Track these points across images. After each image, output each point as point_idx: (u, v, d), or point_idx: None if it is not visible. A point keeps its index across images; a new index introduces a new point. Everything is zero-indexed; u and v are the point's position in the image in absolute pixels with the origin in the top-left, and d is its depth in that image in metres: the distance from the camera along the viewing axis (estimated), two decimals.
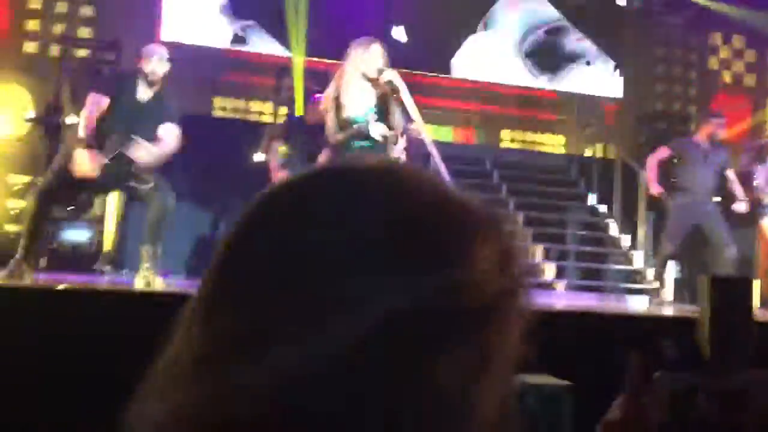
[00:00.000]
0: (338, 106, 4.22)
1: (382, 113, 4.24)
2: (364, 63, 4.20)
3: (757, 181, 6.09)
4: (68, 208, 6.75)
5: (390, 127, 4.25)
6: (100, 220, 7.11)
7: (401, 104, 4.23)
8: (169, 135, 4.69)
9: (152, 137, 4.63)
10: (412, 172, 0.54)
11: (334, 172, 0.55)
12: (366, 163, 0.54)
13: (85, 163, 4.38)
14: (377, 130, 4.24)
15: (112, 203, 7.05)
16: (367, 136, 4.23)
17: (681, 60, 11.06)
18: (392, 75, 4.20)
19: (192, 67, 8.84)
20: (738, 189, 5.94)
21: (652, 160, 6.00)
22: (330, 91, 4.29)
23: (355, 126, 4.23)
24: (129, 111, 4.61)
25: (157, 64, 4.71)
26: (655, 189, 6.01)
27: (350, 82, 4.21)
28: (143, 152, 4.56)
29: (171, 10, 8.83)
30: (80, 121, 4.56)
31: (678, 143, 6.22)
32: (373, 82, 4.22)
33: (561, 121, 10.53)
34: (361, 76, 4.21)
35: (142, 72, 4.69)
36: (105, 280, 5.83)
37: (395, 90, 4.21)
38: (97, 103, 4.54)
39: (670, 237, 6.02)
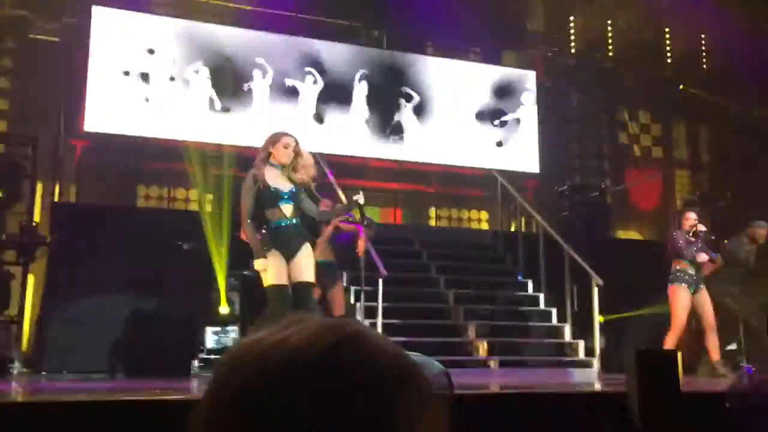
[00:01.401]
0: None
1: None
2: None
3: (680, 245, 6.38)
4: None
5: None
6: (16, 320, 6.79)
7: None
8: None
9: None
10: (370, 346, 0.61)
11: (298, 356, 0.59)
12: (330, 342, 0.60)
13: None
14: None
15: (30, 302, 6.77)
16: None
17: (594, 136, 11.64)
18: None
19: (115, 156, 8.76)
20: None
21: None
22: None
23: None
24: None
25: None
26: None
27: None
28: None
29: (94, 102, 8.76)
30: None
31: None
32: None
33: (485, 197, 10.83)
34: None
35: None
36: (20, 384, 5.52)
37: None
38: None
39: None
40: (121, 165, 8.91)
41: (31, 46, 8.90)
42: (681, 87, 11.43)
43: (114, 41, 8.97)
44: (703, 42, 12.14)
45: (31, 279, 7.22)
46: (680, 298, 6.33)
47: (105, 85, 8.83)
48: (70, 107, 8.65)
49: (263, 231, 4.58)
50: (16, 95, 8.53)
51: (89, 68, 8.82)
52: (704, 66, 12.09)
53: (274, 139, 4.67)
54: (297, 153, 4.65)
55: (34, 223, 7.15)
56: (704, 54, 12.14)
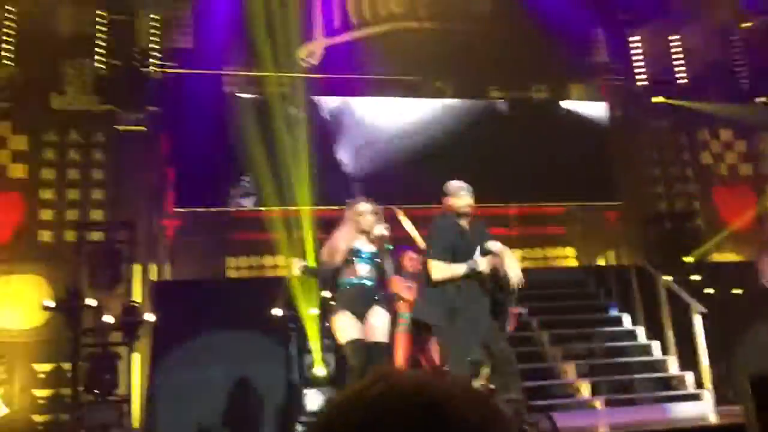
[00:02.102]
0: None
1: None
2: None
3: (760, 272, 6.12)
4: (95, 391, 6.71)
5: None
6: (126, 399, 7.06)
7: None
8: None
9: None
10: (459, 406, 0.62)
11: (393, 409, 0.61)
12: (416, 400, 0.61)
13: None
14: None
15: (137, 379, 7.03)
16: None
17: (675, 160, 11.31)
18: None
19: (203, 232, 9.11)
20: None
21: None
22: None
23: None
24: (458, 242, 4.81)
25: (468, 198, 4.92)
26: None
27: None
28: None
29: (180, 183, 9.15)
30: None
31: None
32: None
33: (568, 233, 10.64)
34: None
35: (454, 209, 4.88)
36: None
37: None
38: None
39: None
40: (209, 239, 9.25)
41: (119, 138, 9.39)
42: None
43: (192, 119, 9.33)
44: None
45: (136, 357, 7.52)
46: None
47: (189, 165, 9.21)
48: (159, 190, 9.09)
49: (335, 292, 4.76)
50: (110, 184, 9.01)
51: (172, 152, 9.25)
52: None
53: (356, 208, 4.89)
54: (372, 217, 4.84)
55: (135, 304, 7.48)
56: None
